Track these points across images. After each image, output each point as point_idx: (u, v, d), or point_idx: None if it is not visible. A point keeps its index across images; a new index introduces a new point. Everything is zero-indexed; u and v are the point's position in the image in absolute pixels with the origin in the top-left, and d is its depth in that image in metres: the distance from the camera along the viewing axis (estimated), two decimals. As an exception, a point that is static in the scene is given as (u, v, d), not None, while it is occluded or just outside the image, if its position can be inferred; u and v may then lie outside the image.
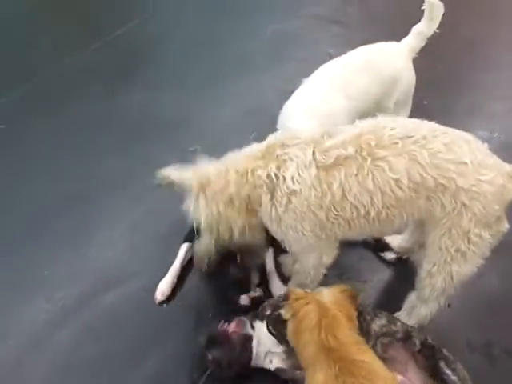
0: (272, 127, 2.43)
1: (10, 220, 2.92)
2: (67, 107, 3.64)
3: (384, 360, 1.82)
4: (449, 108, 3.40)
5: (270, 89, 3.63)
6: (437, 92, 3.42)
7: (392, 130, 1.81)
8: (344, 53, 2.68)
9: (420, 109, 2.95)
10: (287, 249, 2.14)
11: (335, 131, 1.91)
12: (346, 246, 2.24)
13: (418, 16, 2.63)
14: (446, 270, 1.99)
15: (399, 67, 2.65)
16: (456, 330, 2.32)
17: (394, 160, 1.77)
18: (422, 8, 2.61)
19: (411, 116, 2.77)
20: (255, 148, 2.01)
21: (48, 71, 4.12)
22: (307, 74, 2.64)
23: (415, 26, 2.67)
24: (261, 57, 4.04)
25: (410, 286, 2.23)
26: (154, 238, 2.75)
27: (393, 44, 2.71)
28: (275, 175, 1.88)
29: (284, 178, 1.87)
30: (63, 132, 3.43)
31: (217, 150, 2.07)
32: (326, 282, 2.29)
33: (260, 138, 2.06)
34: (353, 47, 2.67)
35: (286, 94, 2.60)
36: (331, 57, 2.67)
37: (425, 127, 1.84)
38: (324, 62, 2.65)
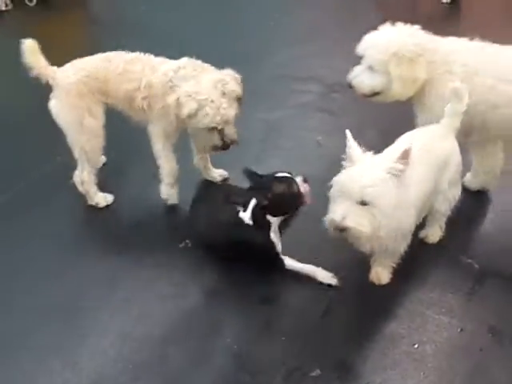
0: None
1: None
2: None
3: None
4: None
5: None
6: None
7: None
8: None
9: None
10: None
11: None
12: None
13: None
14: None
15: (449, 148, 2.72)
16: None
17: None
18: None
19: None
20: None
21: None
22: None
23: (447, 107, 2.71)
24: (249, 146, 3.97)
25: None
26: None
27: (436, 127, 2.79)
28: None
29: None
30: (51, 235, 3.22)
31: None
32: None
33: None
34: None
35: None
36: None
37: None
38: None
